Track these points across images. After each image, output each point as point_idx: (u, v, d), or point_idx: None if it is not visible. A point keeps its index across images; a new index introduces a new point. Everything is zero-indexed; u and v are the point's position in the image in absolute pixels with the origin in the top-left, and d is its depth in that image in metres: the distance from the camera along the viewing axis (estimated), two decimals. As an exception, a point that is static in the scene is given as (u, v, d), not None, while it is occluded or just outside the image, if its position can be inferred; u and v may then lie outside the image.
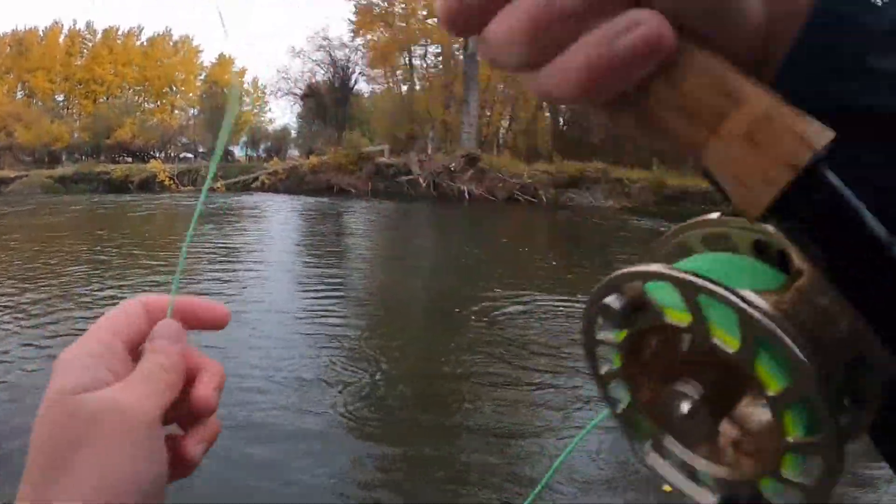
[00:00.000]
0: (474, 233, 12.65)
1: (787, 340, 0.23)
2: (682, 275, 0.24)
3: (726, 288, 0.23)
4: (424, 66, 27.26)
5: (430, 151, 21.31)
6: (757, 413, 0.27)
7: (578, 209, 15.80)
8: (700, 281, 0.24)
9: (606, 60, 0.20)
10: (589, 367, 0.31)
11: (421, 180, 18.74)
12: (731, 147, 0.21)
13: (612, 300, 0.27)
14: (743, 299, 0.23)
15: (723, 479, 0.27)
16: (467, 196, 17.67)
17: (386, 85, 29.05)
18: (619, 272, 0.27)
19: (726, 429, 0.28)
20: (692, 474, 0.29)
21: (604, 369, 0.30)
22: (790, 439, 0.24)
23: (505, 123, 25.87)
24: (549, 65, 0.22)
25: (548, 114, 22.99)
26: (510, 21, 0.21)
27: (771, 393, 0.24)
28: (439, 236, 12.42)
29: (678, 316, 0.25)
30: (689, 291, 0.24)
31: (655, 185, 16.49)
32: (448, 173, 18.44)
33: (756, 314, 0.23)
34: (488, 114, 24.50)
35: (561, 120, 22.64)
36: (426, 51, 26.37)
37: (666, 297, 0.26)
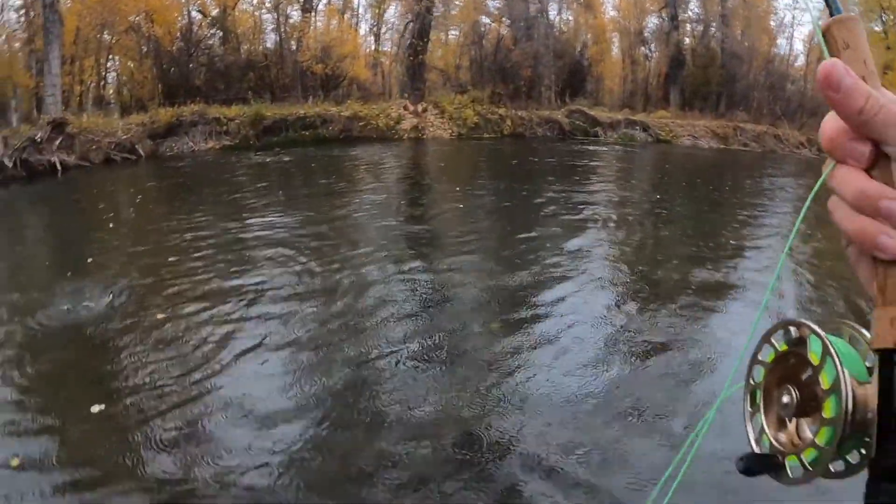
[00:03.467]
0: (62, 209, 11.50)
1: (848, 405, 0.42)
2: (830, 345, 0.44)
3: (841, 365, 0.43)
4: (2, 21, 22.79)
5: (14, 124, 18.35)
6: (809, 425, 0.48)
7: (178, 157, 15.40)
8: (833, 351, 0.44)
9: None
10: (747, 373, 0.52)
11: (6, 160, 16.15)
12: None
13: (793, 329, 0.49)
14: (844, 379, 0.43)
15: (775, 446, 0.49)
16: (60, 168, 15.83)
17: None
18: (801, 321, 0.48)
19: (794, 423, 0.49)
20: (760, 433, 0.50)
21: (753, 379, 0.53)
22: (818, 442, 0.45)
23: (111, 76, 23.38)
24: None
25: (151, 60, 21.27)
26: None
27: (826, 416, 0.44)
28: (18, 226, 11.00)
29: (814, 357, 0.46)
30: (826, 352, 0.45)
31: (253, 120, 16.77)
32: (35, 146, 16.17)
33: (845, 391, 0.43)
34: (77, 69, 21.72)
35: (164, 65, 21.19)
36: (2, 3, 21.97)
37: (814, 345, 0.46)
